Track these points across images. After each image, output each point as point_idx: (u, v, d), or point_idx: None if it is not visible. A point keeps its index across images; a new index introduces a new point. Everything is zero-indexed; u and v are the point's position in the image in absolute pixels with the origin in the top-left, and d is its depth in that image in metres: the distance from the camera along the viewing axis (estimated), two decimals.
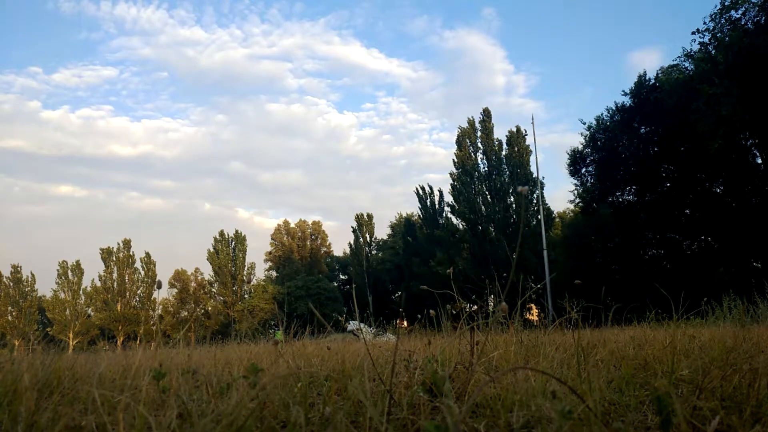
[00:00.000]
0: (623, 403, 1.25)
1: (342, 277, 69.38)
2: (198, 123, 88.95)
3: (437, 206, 50.14)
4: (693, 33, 28.28)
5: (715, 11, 26.72)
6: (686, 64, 31.16)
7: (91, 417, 1.57)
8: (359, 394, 1.31)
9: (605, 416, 1.00)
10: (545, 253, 30.77)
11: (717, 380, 1.34)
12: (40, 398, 1.63)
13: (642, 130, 34.36)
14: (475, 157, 43.48)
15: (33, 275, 62.41)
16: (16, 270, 62.26)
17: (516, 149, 42.73)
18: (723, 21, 26.51)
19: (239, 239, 61.71)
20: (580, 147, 36.25)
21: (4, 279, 62.11)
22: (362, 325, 7.92)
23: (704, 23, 27.59)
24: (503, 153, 42.99)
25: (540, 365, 1.51)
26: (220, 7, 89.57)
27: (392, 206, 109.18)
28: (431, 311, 3.08)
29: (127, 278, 58.15)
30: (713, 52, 27.00)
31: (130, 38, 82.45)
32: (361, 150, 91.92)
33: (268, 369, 1.78)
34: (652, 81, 33.37)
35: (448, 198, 45.36)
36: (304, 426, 1.30)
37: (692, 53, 29.55)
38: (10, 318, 58.77)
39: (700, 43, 28.21)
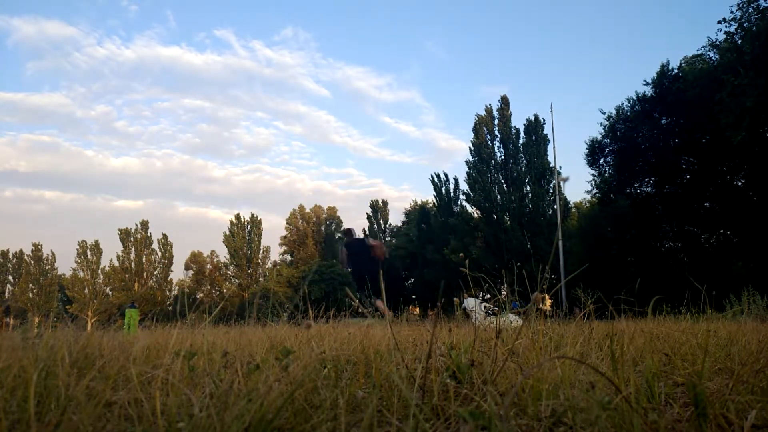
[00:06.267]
0: (656, 394, 1.26)
1: None
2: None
3: (452, 194, 49.97)
4: (719, 22, 27.60)
5: (743, 0, 26.05)
6: (711, 54, 30.50)
7: (123, 393, 1.61)
8: (394, 377, 1.33)
9: (640, 408, 1.01)
10: (560, 243, 30.58)
11: (750, 374, 1.34)
12: (77, 374, 1.68)
13: (663, 121, 33.80)
14: (492, 145, 43.18)
15: (53, 253, 63.76)
16: (37, 248, 63.60)
17: (533, 138, 42.34)
18: (751, 10, 25.83)
19: (255, 223, 62.20)
20: (599, 137, 35.82)
21: (26, 257, 63.52)
22: (476, 301, 7.29)
23: (731, 12, 26.92)
24: (521, 142, 42.62)
25: (568, 355, 1.52)
26: None
27: (406, 193, 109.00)
28: (455, 299, 3.11)
29: (144, 259, 59.02)
30: (740, 41, 26.36)
31: None
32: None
33: (298, 351, 1.82)
34: (675, 71, 32.75)
35: (464, 186, 45.24)
36: (335, 408, 1.33)
37: (717, 43, 28.88)
38: (30, 295, 60.15)
39: (726, 32, 27.53)
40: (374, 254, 9.61)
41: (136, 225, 60.30)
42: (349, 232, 10.67)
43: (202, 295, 60.29)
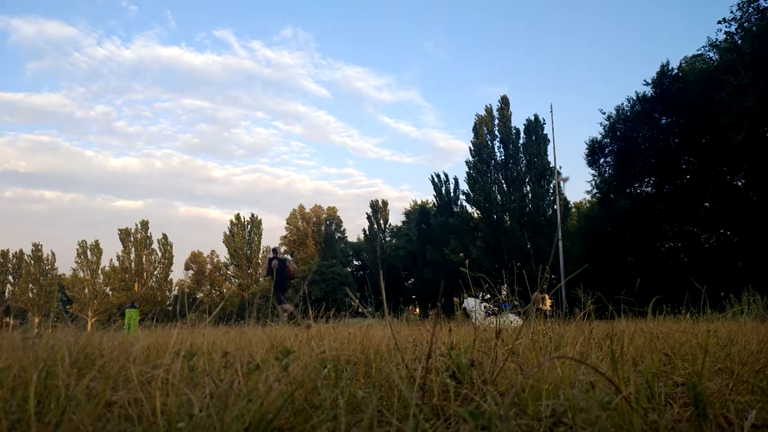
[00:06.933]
0: (656, 394, 1.26)
1: (356, 262, 69.66)
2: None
3: (452, 194, 49.99)
4: (719, 22, 27.61)
5: (743, 0, 26.07)
6: (711, 54, 30.51)
7: (123, 393, 1.61)
8: (394, 377, 1.33)
9: (640, 407, 1.01)
10: (560, 243, 30.56)
11: (750, 374, 1.34)
12: (77, 374, 1.68)
13: (663, 121, 33.81)
14: (492, 145, 43.17)
15: (53, 253, 63.78)
16: (37, 248, 63.61)
17: (533, 138, 42.33)
18: (751, 10, 25.85)
19: (255, 223, 62.23)
20: (599, 137, 35.84)
21: (26, 257, 63.54)
22: (476, 302, 7.29)
23: (731, 12, 26.93)
24: (521, 142, 42.60)
25: (568, 355, 1.52)
26: None
27: (406, 193, 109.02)
28: (455, 299, 3.12)
29: (144, 259, 59.02)
30: (739, 41, 26.36)
31: None
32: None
33: (298, 351, 1.82)
34: (675, 71, 32.76)
35: (464, 186, 45.25)
36: (335, 408, 1.33)
37: (717, 43, 28.89)
38: (30, 295, 60.16)
39: (726, 32, 27.55)
40: (289, 273, 13.04)
41: (136, 225, 60.32)
42: (275, 250, 13.56)
43: (202, 295, 60.27)
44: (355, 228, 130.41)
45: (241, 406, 1.21)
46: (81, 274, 57.01)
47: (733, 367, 1.74)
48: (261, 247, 62.03)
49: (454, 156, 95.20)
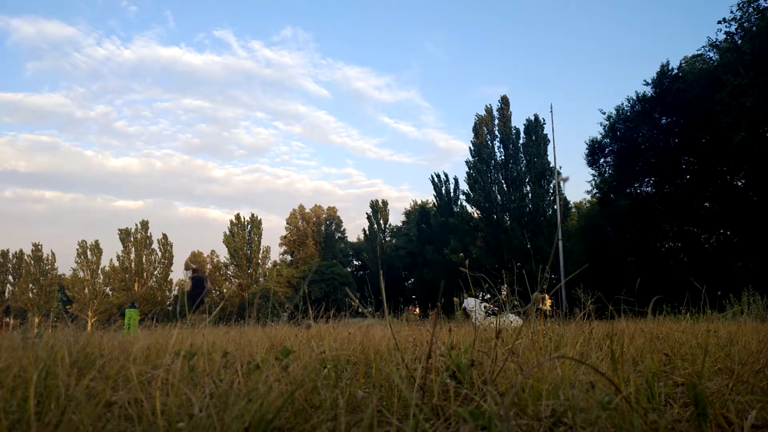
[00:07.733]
0: (656, 394, 1.26)
1: (356, 262, 69.64)
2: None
3: (452, 194, 49.97)
4: (719, 22, 27.60)
5: (743, 0, 26.06)
6: (711, 54, 30.50)
7: (123, 393, 1.61)
8: (394, 377, 1.33)
9: (640, 407, 1.01)
10: (560, 243, 30.56)
11: (750, 374, 1.34)
12: (77, 374, 1.68)
13: (663, 121, 33.80)
14: (492, 145, 43.15)
15: (53, 253, 63.79)
16: (37, 248, 63.63)
17: (533, 138, 42.31)
18: (751, 10, 25.83)
19: (255, 223, 62.20)
20: (599, 137, 35.84)
21: (26, 257, 63.56)
22: (476, 302, 7.33)
23: (731, 12, 26.92)
24: (521, 142, 42.58)
25: (568, 355, 1.52)
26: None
27: (406, 193, 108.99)
28: (455, 299, 3.12)
29: (144, 259, 59.00)
30: (740, 41, 26.35)
31: None
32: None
33: (298, 351, 1.81)
34: (675, 71, 32.74)
35: (464, 186, 45.24)
36: (335, 408, 1.32)
37: (717, 43, 28.87)
38: (30, 295, 60.17)
39: (726, 32, 27.54)
40: (206, 286, 15.17)
41: (136, 225, 60.31)
42: (195, 270, 16.11)
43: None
44: (355, 228, 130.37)
45: (241, 406, 1.21)
46: (81, 274, 57.00)
47: (733, 367, 1.74)
48: (261, 247, 62.06)
49: (454, 156, 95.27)
